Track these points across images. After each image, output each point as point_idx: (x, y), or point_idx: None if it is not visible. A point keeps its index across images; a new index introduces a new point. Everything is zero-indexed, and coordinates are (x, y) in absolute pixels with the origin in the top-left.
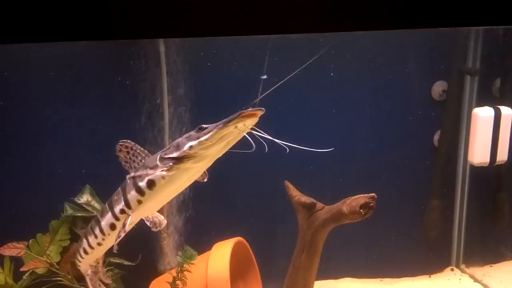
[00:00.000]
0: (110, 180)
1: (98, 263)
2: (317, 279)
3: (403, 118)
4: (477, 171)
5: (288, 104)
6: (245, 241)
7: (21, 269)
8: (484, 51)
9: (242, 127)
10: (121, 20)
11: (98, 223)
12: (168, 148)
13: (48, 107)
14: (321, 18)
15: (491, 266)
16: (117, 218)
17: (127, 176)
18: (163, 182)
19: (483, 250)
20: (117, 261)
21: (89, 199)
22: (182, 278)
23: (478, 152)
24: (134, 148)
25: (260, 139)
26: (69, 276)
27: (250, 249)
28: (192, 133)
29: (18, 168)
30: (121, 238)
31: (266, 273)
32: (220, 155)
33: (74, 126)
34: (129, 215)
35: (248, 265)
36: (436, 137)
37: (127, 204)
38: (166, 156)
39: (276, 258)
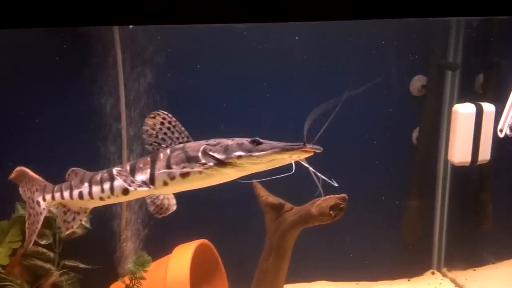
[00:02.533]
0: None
1: (85, 212)
2: (289, 282)
3: (380, 114)
4: (458, 170)
5: (265, 100)
6: (210, 244)
7: None
8: (466, 45)
9: (295, 157)
10: None
11: (112, 179)
12: (215, 145)
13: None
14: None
15: (474, 270)
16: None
17: (166, 149)
18: (197, 176)
19: (466, 253)
20: (72, 264)
21: None
22: (136, 286)
23: (459, 151)
24: (173, 123)
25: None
26: (18, 281)
27: (216, 252)
28: (245, 142)
29: None
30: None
31: (234, 277)
32: (260, 171)
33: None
34: (149, 189)
35: (214, 269)
36: (414, 135)
37: (152, 180)
38: (211, 153)
39: (245, 261)
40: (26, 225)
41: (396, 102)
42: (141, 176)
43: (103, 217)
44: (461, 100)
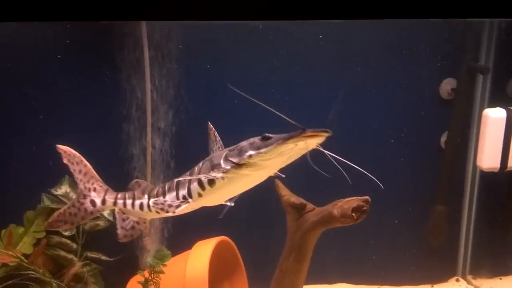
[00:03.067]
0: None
1: (145, 223)
2: (309, 283)
3: (408, 117)
4: (487, 176)
5: (297, 101)
6: (230, 241)
7: None
8: (499, 48)
9: (303, 145)
10: None
11: (164, 195)
12: (233, 150)
13: (27, 94)
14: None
15: (500, 279)
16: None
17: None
18: (222, 182)
19: (493, 261)
20: (94, 255)
21: (68, 190)
22: (155, 279)
23: (488, 156)
24: (217, 138)
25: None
26: (41, 270)
27: (236, 249)
28: (256, 140)
29: None
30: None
31: (254, 275)
32: (283, 166)
33: (55, 115)
34: (188, 202)
35: (234, 266)
36: (443, 139)
37: (189, 193)
38: (230, 159)
39: (265, 260)
40: (61, 210)
41: (425, 105)
42: (182, 191)
43: None
44: (492, 104)
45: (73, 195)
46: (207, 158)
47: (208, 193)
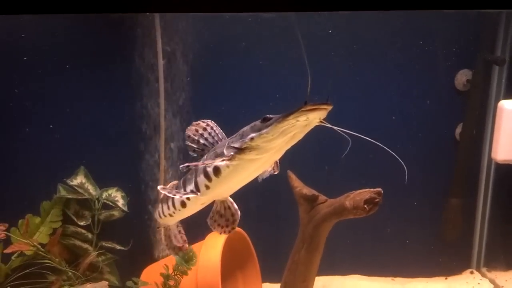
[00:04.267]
0: (105, 162)
1: (170, 229)
2: (323, 275)
3: (423, 109)
4: (502, 168)
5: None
6: (243, 232)
7: (5, 251)
8: None
9: (305, 121)
10: None
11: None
12: (235, 136)
13: (42, 88)
14: None
15: None
16: (188, 197)
17: (188, 164)
18: (227, 171)
19: (508, 254)
20: (109, 245)
21: (83, 181)
22: (177, 277)
23: (503, 148)
24: (215, 129)
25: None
26: (57, 259)
27: (249, 241)
28: (257, 123)
29: (10, 149)
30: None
31: (267, 266)
32: (288, 147)
33: (69, 108)
34: (197, 196)
35: (247, 257)
36: (458, 130)
37: (196, 187)
38: (232, 145)
39: (278, 251)
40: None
41: (440, 97)
42: (190, 187)
43: (140, 201)
44: (508, 96)
45: (88, 186)
46: (211, 149)
47: (216, 184)
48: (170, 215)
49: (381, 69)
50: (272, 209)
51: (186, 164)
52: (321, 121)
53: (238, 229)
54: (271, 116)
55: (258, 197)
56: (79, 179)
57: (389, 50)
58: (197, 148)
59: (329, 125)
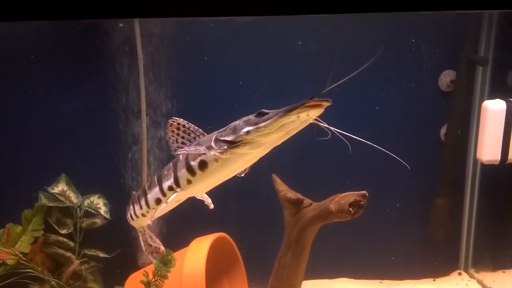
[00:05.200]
0: (87, 169)
1: (144, 230)
2: (310, 278)
3: (407, 110)
4: (487, 169)
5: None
6: (228, 237)
7: None
8: (498, 39)
9: (305, 117)
10: None
11: (145, 194)
12: (224, 130)
13: (22, 93)
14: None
15: (503, 272)
16: (164, 194)
17: (178, 152)
18: (215, 165)
19: (495, 254)
20: (92, 253)
21: (65, 188)
22: (158, 282)
23: (488, 149)
24: (187, 126)
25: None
26: (39, 268)
27: (234, 246)
28: (251, 117)
29: None
30: (161, 214)
31: (253, 270)
32: (278, 143)
33: (50, 114)
34: (176, 192)
35: (233, 262)
36: (442, 131)
37: (176, 182)
38: (222, 138)
39: (263, 255)
40: None
41: (424, 98)
42: (167, 182)
43: (123, 208)
44: (492, 96)
45: (69, 193)
46: (192, 144)
47: (199, 179)
48: (143, 215)
49: (364, 70)
50: (258, 213)
51: (184, 150)
52: (316, 120)
53: (223, 234)
54: (267, 111)
55: (243, 201)
56: (60, 187)
57: (372, 51)
58: (177, 147)
59: (325, 125)
